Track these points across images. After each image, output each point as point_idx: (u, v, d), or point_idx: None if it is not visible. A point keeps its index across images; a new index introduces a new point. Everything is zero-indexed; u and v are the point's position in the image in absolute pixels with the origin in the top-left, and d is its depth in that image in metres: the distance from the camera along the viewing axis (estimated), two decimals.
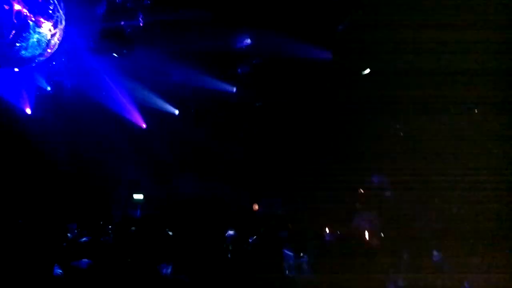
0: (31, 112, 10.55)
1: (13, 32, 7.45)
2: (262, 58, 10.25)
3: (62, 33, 8.12)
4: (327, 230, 9.93)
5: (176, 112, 11.88)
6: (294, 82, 10.36)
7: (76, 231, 8.25)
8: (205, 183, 11.65)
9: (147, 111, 11.49)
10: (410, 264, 7.36)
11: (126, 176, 11.89)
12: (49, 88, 10.41)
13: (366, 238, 9.39)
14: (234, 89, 11.24)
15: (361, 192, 12.34)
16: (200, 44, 9.67)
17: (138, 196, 12.96)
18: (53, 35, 8.00)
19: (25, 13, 7.50)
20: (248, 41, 9.84)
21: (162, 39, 9.13)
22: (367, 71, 9.87)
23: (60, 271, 5.47)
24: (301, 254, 7.37)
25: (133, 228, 8.36)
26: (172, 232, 8.40)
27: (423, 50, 9.03)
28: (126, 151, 11.38)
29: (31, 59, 8.22)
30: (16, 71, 9.39)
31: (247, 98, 11.44)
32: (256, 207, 12.62)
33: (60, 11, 7.69)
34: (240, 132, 11.77)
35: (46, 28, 8.10)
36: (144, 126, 11.80)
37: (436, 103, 10.47)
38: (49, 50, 8.27)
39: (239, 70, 10.67)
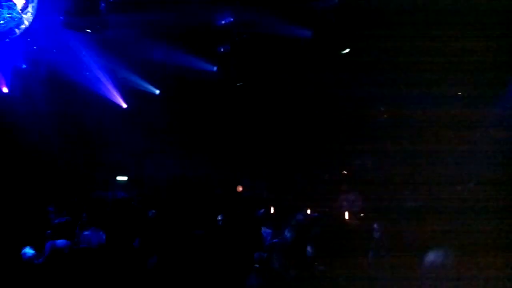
0: (8, 90, 10.34)
1: None
2: (244, 36, 10.05)
3: (35, 9, 7.88)
4: (308, 211, 9.97)
5: (157, 91, 11.73)
6: (275, 61, 10.21)
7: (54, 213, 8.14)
8: (187, 164, 11.60)
9: (127, 90, 11.30)
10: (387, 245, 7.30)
11: (107, 156, 11.73)
12: (24, 66, 10.18)
13: (345, 218, 9.42)
14: (215, 68, 11.09)
15: (345, 174, 12.40)
16: (180, 21, 9.46)
17: (122, 178, 12.87)
18: (25, 11, 7.78)
19: None
20: (230, 18, 9.63)
21: (139, 15, 8.88)
22: (347, 50, 9.76)
23: (32, 252, 5.37)
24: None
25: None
26: (155, 213, 8.33)
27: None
28: (106, 131, 11.21)
29: (4, 35, 8.01)
30: None
31: (228, 77, 11.31)
32: (240, 188, 12.61)
33: None
34: (222, 111, 11.62)
35: (20, 3, 7.88)
36: (124, 105, 11.64)
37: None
38: (22, 26, 8.05)
39: (220, 48, 10.47)
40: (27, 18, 7.95)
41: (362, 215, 9.82)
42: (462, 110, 11.73)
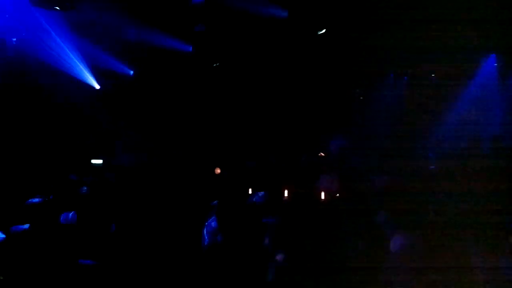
0: None
1: None
2: (219, 15, 9.89)
3: None
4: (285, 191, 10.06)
5: (131, 72, 11.46)
6: (252, 41, 10.11)
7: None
8: (162, 146, 11.46)
9: (100, 71, 10.99)
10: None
11: (80, 139, 11.46)
12: None
13: (321, 197, 9.57)
14: (190, 48, 10.90)
15: (322, 155, 12.50)
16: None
17: (97, 161, 12.63)
18: None
19: None
20: None
21: None
22: (323, 30, 9.74)
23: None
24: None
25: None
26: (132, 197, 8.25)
27: None
28: (78, 113, 10.92)
29: None
30: None
31: (204, 57, 11.14)
32: (218, 170, 12.56)
33: None
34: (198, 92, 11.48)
35: None
36: (97, 86, 11.34)
37: None
38: None
39: (195, 27, 10.28)
40: None
41: (338, 195, 10.00)
42: (436, 91, 12.03)
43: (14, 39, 9.70)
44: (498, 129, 11.10)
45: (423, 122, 11.94)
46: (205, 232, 5.56)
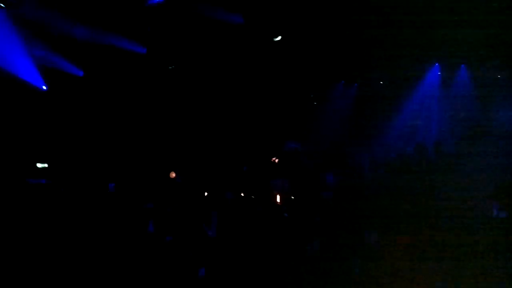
0: None
1: None
2: (174, 17, 9.76)
3: None
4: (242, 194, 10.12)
5: (81, 73, 11.00)
6: (207, 43, 10.08)
7: None
8: (115, 150, 11.15)
9: (47, 71, 10.47)
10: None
11: (27, 143, 10.89)
12: None
13: (277, 200, 9.75)
14: (145, 50, 10.65)
15: (274, 161, 12.65)
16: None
17: (42, 165, 12.09)
18: None
19: None
20: None
21: None
22: (279, 38, 9.92)
23: None
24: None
25: None
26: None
27: None
28: (26, 116, 10.37)
29: None
30: None
31: (159, 60, 10.95)
32: (173, 174, 12.40)
33: None
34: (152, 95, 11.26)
35: None
36: (44, 88, 10.80)
37: None
38: None
39: (149, 29, 10.08)
40: None
41: (292, 197, 10.22)
42: (384, 97, 12.58)
43: None
44: (440, 134, 11.80)
45: (371, 127, 12.45)
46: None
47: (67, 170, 11.30)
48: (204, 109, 11.29)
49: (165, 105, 11.24)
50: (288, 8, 9.12)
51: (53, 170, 11.67)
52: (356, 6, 8.84)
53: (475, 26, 9.17)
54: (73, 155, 11.32)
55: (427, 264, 4.86)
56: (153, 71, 10.99)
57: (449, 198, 6.69)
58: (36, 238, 5.64)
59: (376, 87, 12.87)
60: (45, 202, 7.50)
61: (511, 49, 9.77)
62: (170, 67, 11.06)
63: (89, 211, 7.19)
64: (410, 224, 5.73)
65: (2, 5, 7.41)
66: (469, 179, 7.34)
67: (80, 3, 9.02)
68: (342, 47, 10.30)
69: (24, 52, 9.64)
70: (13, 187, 8.76)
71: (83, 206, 7.44)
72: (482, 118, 10.94)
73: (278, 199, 9.85)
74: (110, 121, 11.10)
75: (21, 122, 10.50)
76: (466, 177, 7.46)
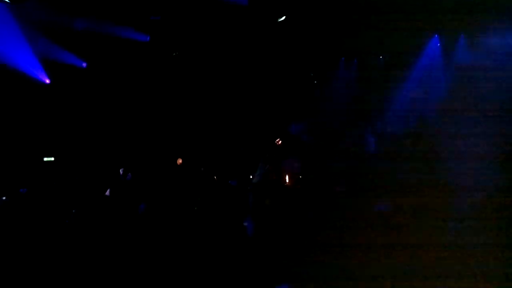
0: None
1: None
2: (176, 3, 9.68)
3: None
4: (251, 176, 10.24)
5: (84, 64, 10.94)
6: (211, 29, 10.04)
7: None
8: (121, 141, 11.18)
9: (50, 64, 10.40)
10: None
11: (33, 137, 10.88)
12: None
13: (286, 180, 9.89)
14: (148, 38, 10.59)
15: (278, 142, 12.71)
16: None
17: (49, 158, 12.11)
18: None
19: None
20: None
21: None
22: (283, 18, 9.88)
23: None
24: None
25: None
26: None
27: None
28: (30, 110, 10.34)
29: None
30: None
31: (162, 46, 10.89)
32: (180, 161, 12.48)
33: None
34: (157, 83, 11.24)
35: None
36: (47, 81, 10.74)
37: None
38: None
39: (151, 16, 9.99)
40: None
41: (300, 177, 10.36)
42: (384, 72, 12.64)
43: None
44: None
45: (373, 103, 12.53)
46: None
47: (71, 163, 11.37)
48: (208, 92, 11.30)
49: (169, 92, 11.25)
50: None
51: (59, 163, 11.72)
52: None
53: None
54: (78, 147, 11.36)
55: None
56: (157, 58, 10.94)
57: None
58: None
59: (375, 61, 12.90)
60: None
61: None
62: (174, 54, 11.01)
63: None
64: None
65: (7, 0, 7.33)
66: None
67: None
68: (340, 22, 10.27)
69: (27, 45, 9.56)
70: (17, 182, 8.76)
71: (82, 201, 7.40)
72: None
73: (287, 179, 9.99)
74: (115, 112, 11.10)
75: (25, 116, 10.48)
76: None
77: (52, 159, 12.13)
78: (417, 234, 5.10)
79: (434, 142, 9.65)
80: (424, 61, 12.22)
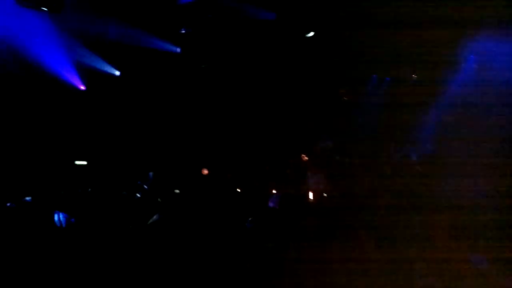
0: None
1: None
2: (207, 16, 9.90)
3: None
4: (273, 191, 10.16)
5: (117, 73, 11.35)
6: (240, 42, 10.18)
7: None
8: (150, 148, 11.42)
9: (86, 72, 10.85)
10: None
11: (66, 142, 11.31)
12: None
13: (309, 197, 9.70)
14: (179, 50, 10.87)
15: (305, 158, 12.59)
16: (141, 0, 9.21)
17: (81, 162, 12.51)
18: None
19: None
20: None
21: None
22: (311, 33, 9.88)
23: None
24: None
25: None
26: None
27: None
28: (64, 115, 10.77)
29: None
30: None
31: (192, 59, 11.14)
32: (205, 171, 12.58)
33: None
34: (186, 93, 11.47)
35: None
36: (82, 88, 11.19)
37: None
38: None
39: (183, 29, 10.26)
40: None
41: (325, 194, 10.16)
42: (418, 92, 12.29)
43: None
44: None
45: (404, 122, 12.17)
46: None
47: (104, 167, 11.70)
48: (237, 105, 11.39)
49: (198, 102, 11.44)
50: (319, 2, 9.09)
51: (92, 167, 12.09)
52: None
53: None
54: (111, 152, 11.69)
55: None
56: (187, 70, 11.19)
57: None
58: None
59: (409, 81, 12.58)
60: None
61: None
62: (202, 66, 11.23)
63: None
64: None
65: (45, 8, 7.73)
66: None
67: (117, 6, 9.28)
68: (374, 41, 10.13)
69: (64, 53, 10.03)
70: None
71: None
72: None
73: (311, 196, 9.83)
74: (146, 118, 11.40)
75: (61, 122, 10.93)
76: None
77: (85, 163, 12.56)
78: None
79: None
80: (459, 82, 11.80)
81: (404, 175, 10.51)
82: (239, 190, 9.89)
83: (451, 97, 11.84)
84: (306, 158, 12.14)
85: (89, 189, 9.36)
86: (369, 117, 12.56)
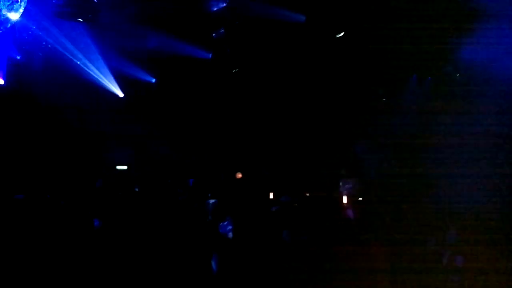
0: (4, 82, 10.31)
1: None
2: (237, 21, 9.97)
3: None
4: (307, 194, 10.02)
5: (153, 80, 11.70)
6: (270, 46, 10.15)
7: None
8: (181, 153, 11.63)
9: (123, 79, 11.27)
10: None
11: (106, 147, 11.76)
12: (19, 57, 10.15)
13: (344, 202, 9.47)
14: (210, 55, 11.03)
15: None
16: (173, 8, 9.41)
17: (122, 167, 12.96)
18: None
19: None
20: (223, 3, 9.55)
21: (132, 2, 8.84)
22: (342, 34, 9.68)
23: None
24: None
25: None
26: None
27: None
28: (104, 122, 11.22)
29: None
30: None
31: (223, 63, 11.25)
32: (239, 175, 12.63)
33: None
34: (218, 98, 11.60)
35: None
36: (121, 94, 11.63)
37: None
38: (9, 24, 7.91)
39: (213, 35, 10.39)
40: (15, 14, 7.80)
41: (360, 199, 9.88)
42: (461, 92, 11.67)
43: (40, 53, 10.07)
44: None
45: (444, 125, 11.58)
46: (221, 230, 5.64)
47: (142, 172, 12.05)
48: (272, 109, 11.37)
49: (232, 107, 11.54)
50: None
51: (131, 172, 12.50)
52: None
53: None
54: (148, 157, 12.03)
55: None
56: (218, 75, 11.32)
57: None
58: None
59: (451, 82, 11.95)
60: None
61: None
62: (234, 70, 11.32)
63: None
64: None
65: (80, 19, 8.11)
66: None
67: (150, 15, 9.56)
68: (410, 39, 9.73)
69: (102, 61, 10.47)
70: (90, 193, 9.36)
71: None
72: None
73: (345, 201, 9.59)
74: (182, 125, 11.64)
75: (102, 127, 11.38)
76: None
77: (125, 167, 13.00)
78: None
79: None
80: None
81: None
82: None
83: None
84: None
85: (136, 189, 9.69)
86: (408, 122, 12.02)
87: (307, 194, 9.99)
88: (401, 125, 11.84)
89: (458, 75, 11.95)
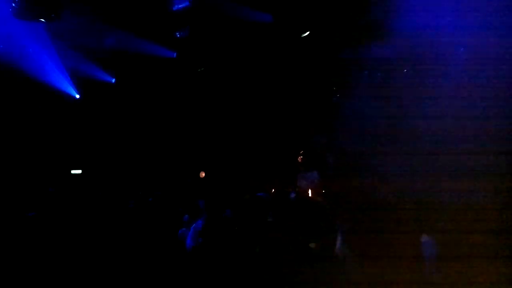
0: None
1: None
2: (201, 20, 9.91)
3: None
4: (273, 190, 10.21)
5: (113, 80, 11.30)
6: (235, 45, 10.21)
7: None
8: (147, 155, 11.40)
9: (80, 80, 10.78)
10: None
11: (60, 150, 11.21)
12: None
13: (309, 195, 9.77)
14: (174, 54, 10.87)
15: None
16: (135, 6, 9.16)
17: (76, 171, 12.42)
18: None
19: None
20: (186, 2, 9.43)
21: (93, 1, 8.49)
22: (307, 33, 9.95)
23: None
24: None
25: None
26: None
27: None
28: (59, 124, 10.69)
29: None
30: None
31: (188, 63, 11.14)
32: (202, 174, 12.59)
33: None
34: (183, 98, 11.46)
35: None
36: (77, 96, 11.12)
37: None
38: None
39: (177, 34, 10.25)
40: None
41: (323, 191, 10.23)
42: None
43: None
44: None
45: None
46: (191, 232, 5.65)
47: (99, 175, 11.64)
48: (237, 107, 11.42)
49: (195, 106, 11.45)
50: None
51: (86, 176, 12.01)
52: None
53: None
54: (107, 160, 11.63)
55: None
56: (183, 74, 11.19)
57: None
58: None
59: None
60: None
61: None
62: (199, 70, 11.24)
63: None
64: None
65: (42, 19, 7.65)
66: None
67: (111, 12, 9.24)
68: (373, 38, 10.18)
69: (59, 62, 9.95)
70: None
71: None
72: None
73: (310, 193, 9.88)
74: (140, 126, 11.37)
75: (55, 130, 10.83)
76: None
77: (80, 172, 12.46)
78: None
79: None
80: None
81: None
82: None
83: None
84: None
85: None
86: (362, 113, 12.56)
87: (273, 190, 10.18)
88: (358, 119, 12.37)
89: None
